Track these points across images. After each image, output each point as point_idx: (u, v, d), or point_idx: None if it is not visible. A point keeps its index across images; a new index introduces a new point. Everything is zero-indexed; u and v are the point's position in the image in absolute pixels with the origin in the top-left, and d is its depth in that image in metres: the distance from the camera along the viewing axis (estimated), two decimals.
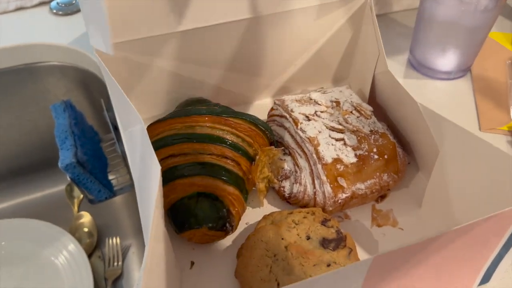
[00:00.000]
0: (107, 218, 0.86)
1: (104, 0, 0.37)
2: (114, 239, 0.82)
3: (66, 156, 0.64)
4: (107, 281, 0.78)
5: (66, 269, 0.75)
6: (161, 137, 0.48)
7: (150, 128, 0.49)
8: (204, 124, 0.48)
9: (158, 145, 0.48)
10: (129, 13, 0.47)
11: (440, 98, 0.66)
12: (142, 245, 0.82)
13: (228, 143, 0.48)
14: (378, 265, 0.34)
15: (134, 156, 0.45)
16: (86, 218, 0.86)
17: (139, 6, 0.47)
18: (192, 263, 0.47)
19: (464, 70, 0.68)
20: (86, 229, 0.84)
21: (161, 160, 0.48)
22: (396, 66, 0.71)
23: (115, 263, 0.80)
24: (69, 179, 0.66)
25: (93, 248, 0.82)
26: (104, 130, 0.81)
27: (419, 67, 0.69)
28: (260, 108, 0.63)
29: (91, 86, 0.78)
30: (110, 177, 0.75)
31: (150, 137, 0.49)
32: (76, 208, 0.88)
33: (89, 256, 0.80)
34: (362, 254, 0.47)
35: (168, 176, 0.47)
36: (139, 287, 0.30)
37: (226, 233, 0.46)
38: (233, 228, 0.47)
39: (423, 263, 0.38)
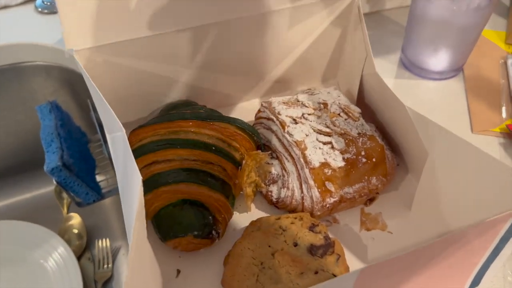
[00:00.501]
0: (97, 220, 0.85)
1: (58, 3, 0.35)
2: (104, 240, 0.81)
3: (51, 160, 0.63)
4: (97, 283, 0.77)
5: (55, 272, 0.74)
6: (144, 143, 0.47)
7: (133, 134, 0.48)
8: (189, 129, 0.47)
9: (141, 151, 0.47)
10: (109, 15, 0.46)
11: (432, 99, 0.65)
12: None
13: (213, 148, 0.47)
14: (366, 276, 0.33)
15: (118, 162, 0.44)
16: (75, 219, 0.85)
17: (119, 8, 0.46)
18: (178, 271, 0.46)
19: (456, 69, 0.67)
20: (75, 231, 0.83)
21: (144, 167, 0.47)
22: (388, 66, 0.70)
23: (105, 265, 0.79)
24: (55, 182, 0.65)
25: (83, 250, 0.81)
26: (92, 131, 0.79)
27: (411, 66, 0.68)
28: (248, 109, 0.62)
29: (78, 86, 0.76)
30: (98, 179, 0.74)
31: (133, 143, 0.48)
32: (65, 209, 0.87)
33: (79, 258, 0.79)
34: (351, 260, 0.47)
35: (151, 183, 0.46)
36: None
37: (212, 240, 0.45)
38: (219, 235, 0.46)
39: (413, 271, 0.37)
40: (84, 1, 0.44)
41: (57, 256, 0.76)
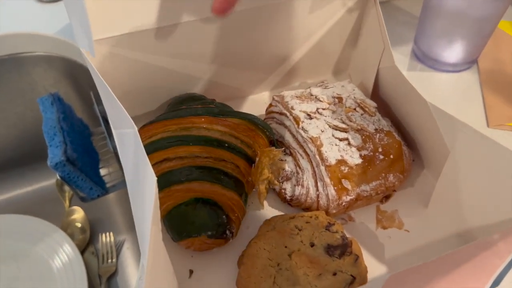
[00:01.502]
0: (100, 213, 0.84)
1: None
2: (108, 234, 0.80)
3: (55, 154, 0.61)
4: (102, 278, 0.76)
5: (59, 268, 0.73)
6: (155, 140, 0.45)
7: (143, 130, 0.47)
8: (201, 126, 0.45)
9: (151, 148, 0.45)
10: (116, 7, 0.43)
11: (445, 91, 0.63)
12: (136, 241, 0.80)
13: (226, 145, 0.45)
14: (392, 283, 0.32)
15: (127, 160, 0.43)
16: (78, 213, 0.83)
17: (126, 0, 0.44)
18: (191, 272, 0.45)
19: (470, 62, 0.65)
20: (78, 225, 0.82)
21: (155, 164, 0.45)
22: (400, 57, 0.68)
23: (109, 260, 0.78)
24: (59, 177, 0.63)
25: (86, 244, 0.80)
26: (95, 123, 0.77)
27: (424, 58, 0.66)
28: (257, 102, 0.61)
29: (80, 77, 0.74)
30: (102, 173, 0.72)
31: (143, 139, 0.46)
32: (67, 202, 0.85)
33: (82, 252, 0.78)
34: (368, 259, 0.45)
35: (163, 182, 0.44)
36: None
37: (226, 240, 0.44)
38: (233, 235, 0.44)
39: (438, 275, 0.36)
40: None
41: (61, 251, 0.74)
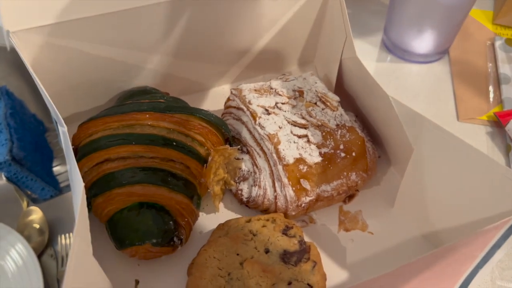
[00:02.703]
0: (60, 213, 0.79)
1: None
2: (68, 236, 0.76)
3: None
4: (60, 282, 0.72)
5: (13, 271, 0.69)
6: (95, 139, 0.41)
7: (83, 127, 0.43)
8: (145, 123, 0.41)
9: (91, 147, 0.41)
10: None
11: (415, 83, 0.61)
12: None
13: (174, 143, 0.41)
14: None
15: (67, 157, 0.39)
16: (36, 213, 0.78)
17: None
18: (137, 282, 0.41)
19: (441, 52, 0.62)
20: (36, 226, 0.77)
21: (95, 165, 0.41)
22: (369, 48, 0.65)
23: None
24: (4, 178, 0.59)
25: (44, 246, 0.76)
26: (50, 119, 0.73)
27: (393, 48, 0.63)
28: (218, 96, 0.57)
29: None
30: (56, 171, 0.68)
31: (83, 138, 0.43)
32: (25, 203, 0.80)
33: (40, 255, 0.73)
34: (328, 265, 0.42)
35: (104, 185, 0.40)
36: None
37: (174, 248, 0.41)
38: (182, 242, 0.41)
39: (399, 285, 0.33)
40: None
41: (15, 254, 0.70)
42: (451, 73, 0.61)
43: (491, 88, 0.59)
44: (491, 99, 0.57)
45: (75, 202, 0.35)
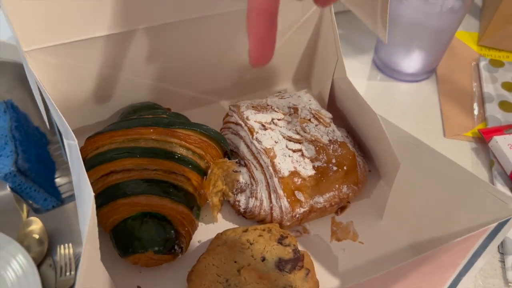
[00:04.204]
0: (59, 224, 0.80)
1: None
2: (67, 246, 0.77)
3: (5, 164, 0.59)
4: None
5: (13, 281, 0.70)
6: (101, 152, 0.44)
7: (89, 141, 0.45)
8: (149, 137, 0.43)
9: (97, 160, 0.43)
10: (61, 14, 0.42)
11: (404, 101, 0.64)
12: None
13: (176, 157, 0.44)
14: None
15: (74, 171, 0.41)
16: (36, 224, 0.80)
17: (73, 5, 0.42)
18: None
19: (429, 72, 0.66)
20: (36, 236, 0.79)
21: (101, 177, 0.43)
22: (360, 66, 0.68)
23: (67, 273, 0.75)
24: (9, 189, 0.61)
25: (44, 256, 0.77)
26: (52, 132, 0.75)
27: (383, 68, 0.66)
28: (216, 112, 0.59)
29: None
30: (58, 183, 0.70)
31: (90, 151, 0.45)
32: (25, 213, 0.82)
33: (39, 265, 0.75)
34: (320, 273, 0.45)
35: (109, 195, 0.43)
36: None
37: (175, 256, 0.43)
38: (182, 250, 0.43)
39: None
40: None
41: (15, 263, 0.72)
42: (438, 91, 0.64)
43: (475, 106, 0.62)
44: (475, 117, 0.60)
45: (82, 211, 0.37)
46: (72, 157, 0.41)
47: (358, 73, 0.66)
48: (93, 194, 0.33)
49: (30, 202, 0.64)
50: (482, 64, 0.67)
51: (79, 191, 0.39)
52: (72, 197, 0.69)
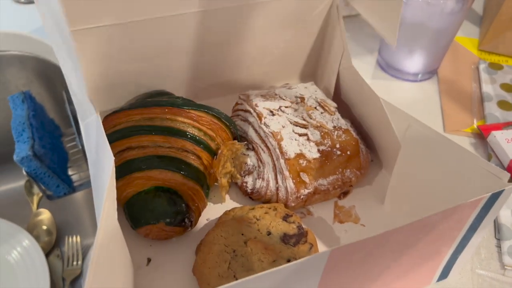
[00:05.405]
0: (68, 215, 0.83)
1: None
2: (74, 237, 0.79)
3: (22, 149, 0.61)
4: (65, 281, 0.75)
5: (21, 268, 0.72)
6: (118, 129, 0.46)
7: (107, 119, 0.48)
8: (164, 116, 0.46)
9: (115, 137, 0.46)
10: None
11: (407, 99, 0.66)
12: None
13: (189, 136, 0.46)
14: (336, 259, 0.33)
15: (90, 148, 0.44)
16: (45, 215, 0.82)
17: None
18: (149, 260, 0.45)
19: (430, 72, 0.68)
20: (44, 227, 0.81)
21: (118, 153, 0.46)
22: (365, 67, 0.71)
23: (74, 262, 0.77)
24: (25, 173, 0.63)
25: (52, 246, 0.79)
26: (66, 125, 0.78)
27: (387, 68, 0.69)
28: (225, 103, 0.62)
29: (53, 77, 0.75)
30: (70, 172, 0.72)
31: (107, 129, 0.47)
32: (35, 205, 0.84)
33: (48, 254, 0.76)
34: (323, 250, 0.46)
35: (124, 169, 0.45)
36: (85, 284, 0.29)
37: (184, 229, 0.45)
38: (192, 224, 0.45)
39: (382, 259, 0.37)
40: None
41: (24, 251, 0.73)
42: (439, 91, 0.67)
43: (475, 105, 0.64)
44: (475, 115, 0.63)
45: (100, 180, 0.39)
46: (91, 133, 0.43)
47: (363, 73, 0.68)
48: (113, 157, 0.36)
49: (43, 188, 0.66)
50: (482, 67, 0.69)
51: (97, 161, 0.41)
52: (82, 186, 0.72)
